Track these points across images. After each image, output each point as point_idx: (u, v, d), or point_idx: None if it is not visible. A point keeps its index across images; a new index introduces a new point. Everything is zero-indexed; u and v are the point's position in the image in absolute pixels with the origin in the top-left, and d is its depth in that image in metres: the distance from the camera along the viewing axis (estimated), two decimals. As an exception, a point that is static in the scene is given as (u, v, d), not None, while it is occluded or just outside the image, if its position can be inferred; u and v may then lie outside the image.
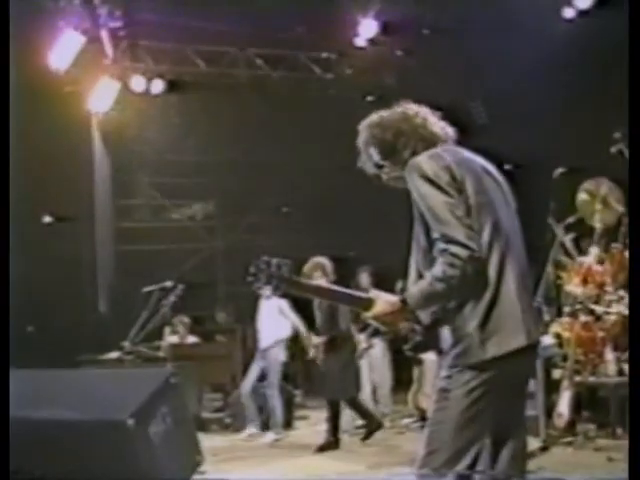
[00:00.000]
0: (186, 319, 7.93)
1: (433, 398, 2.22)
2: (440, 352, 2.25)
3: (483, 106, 9.90)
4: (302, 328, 6.81)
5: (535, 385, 5.17)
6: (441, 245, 2.12)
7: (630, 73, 2.57)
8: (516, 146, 8.37)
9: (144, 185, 11.06)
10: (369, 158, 2.42)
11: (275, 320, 6.88)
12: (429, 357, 5.31)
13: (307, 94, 10.23)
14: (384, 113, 2.42)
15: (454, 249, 2.09)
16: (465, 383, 2.13)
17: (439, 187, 2.16)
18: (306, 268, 6.04)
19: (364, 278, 7.07)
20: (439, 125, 2.41)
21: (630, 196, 2.55)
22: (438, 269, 2.11)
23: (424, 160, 2.23)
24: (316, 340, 6.39)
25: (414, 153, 2.30)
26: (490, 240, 2.16)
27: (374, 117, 2.43)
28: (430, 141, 2.35)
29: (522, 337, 2.12)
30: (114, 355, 6.20)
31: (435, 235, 2.14)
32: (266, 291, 2.29)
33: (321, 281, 5.84)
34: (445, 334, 2.21)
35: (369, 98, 9.99)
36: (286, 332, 6.95)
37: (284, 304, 6.78)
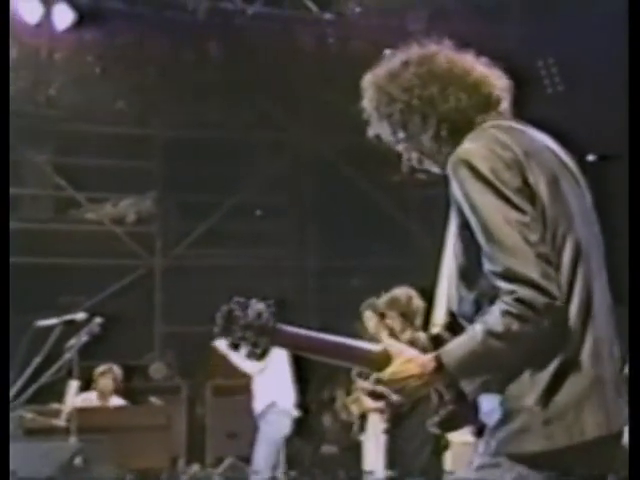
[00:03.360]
0: (116, 370, 7.92)
1: None
2: (480, 430, 2.25)
3: (557, 68, 9.99)
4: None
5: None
6: (503, 284, 2.08)
7: (630, 73, 2.76)
8: (604, 127, 8.45)
9: (43, 168, 11.06)
10: (383, 125, 2.38)
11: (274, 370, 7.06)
12: (459, 437, 5.29)
13: (296, 43, 10.30)
14: (403, 58, 2.37)
15: (525, 294, 2.05)
16: (519, 479, 2.12)
17: (505, 197, 2.11)
18: (381, 304, 6.06)
19: (370, 320, 7.00)
20: (500, 86, 2.35)
21: (630, 195, 2.62)
22: (497, 321, 2.07)
23: (479, 151, 2.16)
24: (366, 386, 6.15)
25: (454, 133, 2.27)
26: (571, 274, 2.15)
27: (385, 68, 2.40)
28: (482, 112, 2.30)
29: (605, 421, 2.12)
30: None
31: (493, 268, 2.11)
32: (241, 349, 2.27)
33: (397, 323, 5.84)
34: (488, 403, 2.21)
35: (387, 52, 10.05)
36: (288, 390, 7.13)
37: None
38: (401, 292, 6.06)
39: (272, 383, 7.07)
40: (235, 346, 2.19)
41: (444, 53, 2.35)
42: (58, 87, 10.24)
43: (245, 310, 2.16)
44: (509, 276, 2.07)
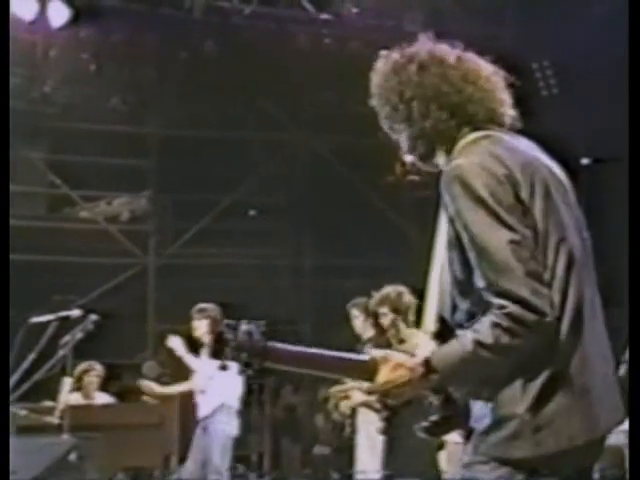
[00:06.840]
0: (98, 367, 7.91)
1: None
2: (469, 433, 2.27)
3: (553, 70, 10.04)
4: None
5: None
6: (494, 299, 2.11)
7: (630, 73, 2.80)
8: (599, 130, 8.49)
9: (37, 165, 11.06)
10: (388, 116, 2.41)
11: (220, 374, 7.04)
12: (453, 437, 5.33)
13: (292, 43, 10.33)
14: (411, 53, 2.41)
15: (515, 310, 2.08)
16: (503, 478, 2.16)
17: (496, 215, 2.13)
18: (372, 304, 6.13)
19: (357, 318, 6.99)
20: (506, 99, 2.38)
21: (630, 196, 2.65)
22: (488, 332, 2.10)
23: (472, 167, 2.18)
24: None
25: (453, 139, 2.31)
26: (565, 283, 2.18)
27: (392, 60, 2.44)
28: (482, 122, 2.32)
29: (591, 427, 2.16)
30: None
31: (484, 284, 2.14)
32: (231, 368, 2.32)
33: (388, 320, 5.95)
34: (479, 409, 2.24)
35: (383, 53, 10.08)
36: (237, 391, 7.09)
37: None
38: (391, 289, 6.17)
39: (221, 385, 7.13)
40: (224, 367, 2.25)
41: (453, 53, 2.39)
42: (53, 84, 10.26)
43: (235, 332, 2.21)
44: (499, 293, 2.10)
